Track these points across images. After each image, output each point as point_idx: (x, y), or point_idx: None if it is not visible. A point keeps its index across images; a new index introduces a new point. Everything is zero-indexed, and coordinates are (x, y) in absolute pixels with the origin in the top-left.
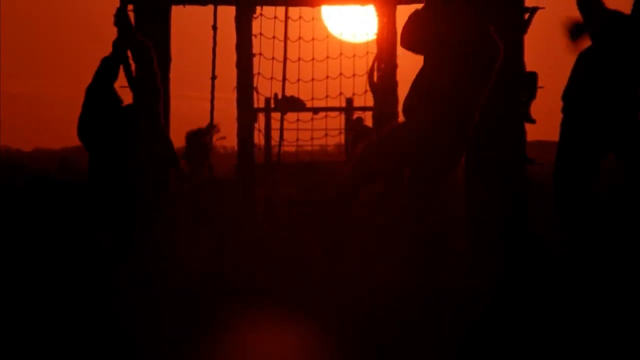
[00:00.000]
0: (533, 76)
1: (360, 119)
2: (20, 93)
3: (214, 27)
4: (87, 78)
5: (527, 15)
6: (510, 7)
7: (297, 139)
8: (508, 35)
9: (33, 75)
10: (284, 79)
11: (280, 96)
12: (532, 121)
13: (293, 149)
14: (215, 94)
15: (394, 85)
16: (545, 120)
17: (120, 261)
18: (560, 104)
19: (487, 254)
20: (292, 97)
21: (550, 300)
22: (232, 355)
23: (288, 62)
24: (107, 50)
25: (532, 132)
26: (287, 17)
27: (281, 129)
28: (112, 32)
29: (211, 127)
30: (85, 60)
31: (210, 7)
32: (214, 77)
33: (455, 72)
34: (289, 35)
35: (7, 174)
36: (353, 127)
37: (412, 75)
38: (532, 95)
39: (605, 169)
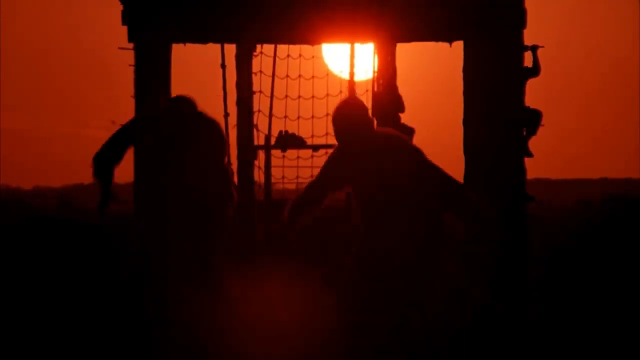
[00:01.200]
0: (537, 114)
1: None
2: (20, 130)
3: (223, 65)
4: (87, 115)
5: (527, 53)
6: (510, 44)
7: (297, 177)
8: (511, 72)
9: (33, 112)
10: (271, 112)
11: (282, 133)
12: (530, 155)
13: (293, 186)
14: None
15: (394, 123)
16: (545, 158)
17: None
18: (559, 141)
19: (483, 287)
20: (292, 135)
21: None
22: None
23: (288, 99)
24: (106, 87)
25: (532, 170)
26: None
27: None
28: (113, 69)
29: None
30: (86, 97)
31: (211, 45)
32: (226, 115)
33: None
34: (289, 73)
35: (7, 214)
36: None
37: (412, 114)
38: (532, 132)
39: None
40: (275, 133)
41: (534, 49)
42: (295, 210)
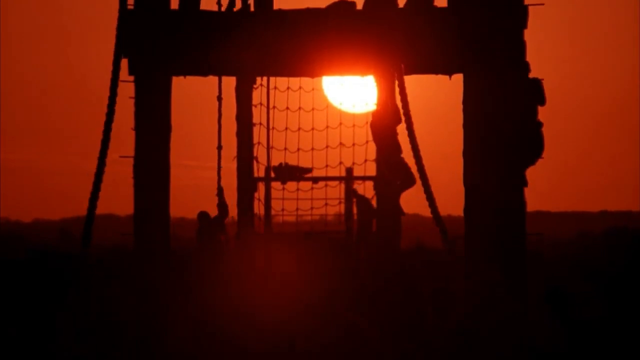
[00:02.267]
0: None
1: (354, 190)
2: (20, 163)
3: (219, 98)
4: (87, 148)
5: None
6: (510, 76)
7: (297, 209)
8: (511, 104)
9: (33, 145)
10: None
11: (282, 165)
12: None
13: (293, 218)
14: (215, 164)
15: (395, 152)
16: (545, 190)
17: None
18: (559, 173)
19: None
20: (294, 166)
21: None
22: None
23: (288, 131)
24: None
25: (532, 202)
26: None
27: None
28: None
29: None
30: (86, 129)
31: (210, 77)
32: (219, 147)
33: None
34: (289, 105)
35: (7, 247)
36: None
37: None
38: (542, 101)
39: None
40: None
41: (537, 82)
42: None
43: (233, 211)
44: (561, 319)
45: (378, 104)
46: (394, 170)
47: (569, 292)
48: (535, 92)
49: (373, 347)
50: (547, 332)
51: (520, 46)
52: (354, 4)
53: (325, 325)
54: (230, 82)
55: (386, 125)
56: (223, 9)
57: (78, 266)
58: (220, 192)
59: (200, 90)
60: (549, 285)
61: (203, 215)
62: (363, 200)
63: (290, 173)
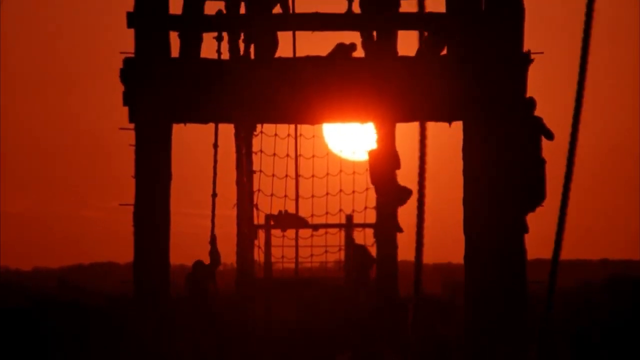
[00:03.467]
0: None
1: (351, 239)
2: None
3: (215, 145)
4: (87, 196)
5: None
6: (510, 124)
7: (297, 256)
8: (511, 152)
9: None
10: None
11: (282, 213)
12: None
13: (293, 265)
14: (216, 211)
15: (393, 200)
16: (545, 238)
17: None
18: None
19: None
20: (292, 215)
21: None
22: None
23: (288, 178)
24: (106, 167)
25: (532, 250)
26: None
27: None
28: (114, 149)
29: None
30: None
31: (212, 125)
32: (214, 195)
33: None
34: (290, 152)
35: (7, 296)
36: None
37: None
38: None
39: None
40: (275, 213)
41: (540, 164)
42: None
43: (231, 258)
44: None
45: (377, 149)
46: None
47: (571, 340)
48: (537, 133)
49: None
50: None
51: (521, 94)
52: (353, 45)
53: None
54: (230, 129)
55: (385, 170)
56: (223, 56)
57: (77, 315)
58: (212, 240)
59: (201, 137)
60: (550, 334)
61: (197, 263)
62: (359, 249)
63: (289, 221)
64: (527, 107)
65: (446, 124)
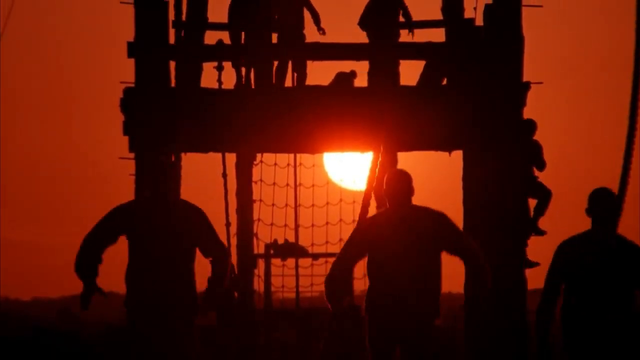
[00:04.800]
0: (547, 194)
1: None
2: (19, 240)
3: (224, 175)
4: (87, 225)
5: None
6: (510, 153)
7: (297, 285)
8: (511, 182)
9: (32, 222)
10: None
11: (281, 241)
12: (542, 233)
13: (292, 295)
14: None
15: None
16: (544, 268)
17: None
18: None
19: None
20: (292, 244)
21: None
22: None
23: (288, 208)
24: (106, 197)
25: (533, 280)
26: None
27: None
28: (114, 178)
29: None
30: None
31: (211, 154)
32: (228, 224)
33: None
34: (290, 181)
35: (7, 326)
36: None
37: None
38: (541, 212)
39: None
40: (277, 241)
41: (538, 233)
42: (333, 295)
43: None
44: None
45: (378, 177)
46: None
47: None
48: (531, 158)
49: None
50: None
51: (520, 124)
52: (353, 73)
53: None
54: (230, 159)
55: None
56: (224, 86)
57: (77, 344)
58: (231, 269)
59: (199, 168)
60: None
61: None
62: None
63: (290, 251)
64: (527, 129)
65: (446, 154)
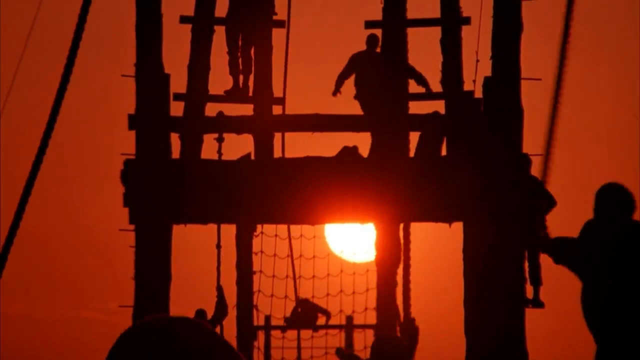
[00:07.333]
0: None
1: (351, 342)
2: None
3: (218, 246)
4: (86, 298)
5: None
6: (511, 225)
7: (298, 357)
8: (511, 253)
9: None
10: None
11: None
12: (541, 305)
13: None
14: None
15: (394, 303)
16: (546, 342)
17: None
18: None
19: None
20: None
21: None
22: None
23: (288, 279)
24: (106, 268)
25: (533, 353)
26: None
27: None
28: (113, 250)
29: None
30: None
31: (211, 225)
32: (219, 287)
33: None
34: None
35: None
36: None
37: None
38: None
39: None
40: (275, 314)
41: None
42: None
43: None
44: None
45: (378, 252)
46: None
47: None
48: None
49: None
50: None
51: (522, 195)
52: (356, 148)
53: None
54: (230, 230)
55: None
56: (224, 157)
57: None
58: (219, 291)
59: (199, 238)
60: None
61: (199, 312)
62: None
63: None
64: (523, 164)
65: (446, 225)
